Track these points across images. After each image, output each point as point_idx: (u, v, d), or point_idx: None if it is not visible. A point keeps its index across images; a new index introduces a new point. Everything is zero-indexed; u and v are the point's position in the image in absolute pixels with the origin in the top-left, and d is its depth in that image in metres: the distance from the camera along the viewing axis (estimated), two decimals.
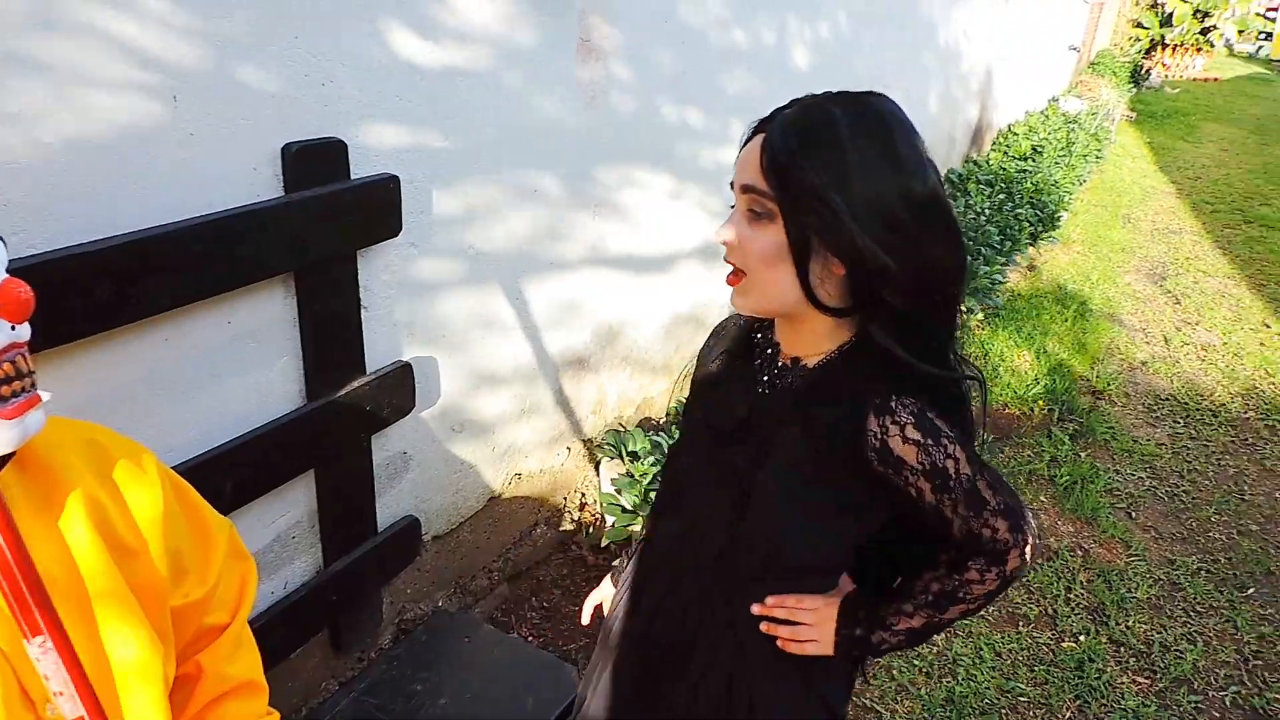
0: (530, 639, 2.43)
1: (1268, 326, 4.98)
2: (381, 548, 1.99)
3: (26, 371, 0.77)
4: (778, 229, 0.95)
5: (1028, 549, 1.04)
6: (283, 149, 1.53)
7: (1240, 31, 15.54)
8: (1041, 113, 8.70)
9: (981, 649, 2.50)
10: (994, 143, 7.48)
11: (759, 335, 1.15)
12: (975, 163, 6.62)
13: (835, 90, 0.99)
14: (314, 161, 1.57)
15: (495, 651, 1.96)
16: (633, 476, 2.63)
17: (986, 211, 5.41)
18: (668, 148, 2.76)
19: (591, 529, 2.79)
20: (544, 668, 1.96)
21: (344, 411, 1.77)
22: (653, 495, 2.50)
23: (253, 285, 1.54)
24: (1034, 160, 6.93)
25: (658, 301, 2.92)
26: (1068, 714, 2.32)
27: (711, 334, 1.26)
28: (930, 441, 0.96)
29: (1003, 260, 4.79)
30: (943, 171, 6.26)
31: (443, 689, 1.86)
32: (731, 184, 1.01)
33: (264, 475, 1.66)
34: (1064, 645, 2.55)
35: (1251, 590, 2.81)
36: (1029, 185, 6.11)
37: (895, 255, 0.92)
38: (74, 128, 1.24)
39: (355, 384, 1.78)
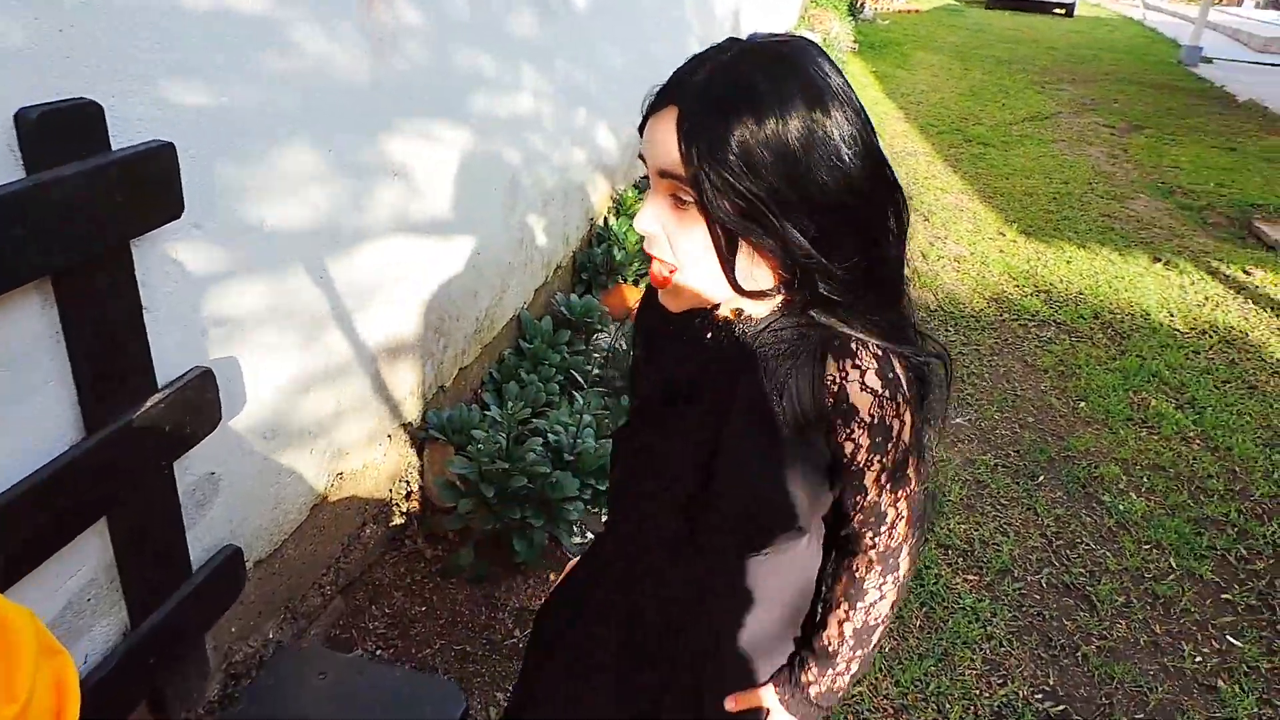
0: (379, 652, 2.19)
1: (1003, 235, 5.52)
2: (200, 589, 1.67)
3: None
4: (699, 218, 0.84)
5: (917, 546, 1.02)
6: (16, 116, 1.17)
7: None
8: None
9: None
10: None
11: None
12: None
13: (744, 41, 0.85)
14: (61, 130, 1.22)
15: (359, 682, 1.72)
16: (464, 454, 2.42)
17: None
18: (463, 99, 2.51)
19: (423, 519, 2.57)
20: (419, 689, 1.75)
21: (136, 438, 1.44)
22: (487, 471, 2.32)
23: None
24: None
25: (466, 264, 2.69)
26: (918, 622, 2.44)
27: (639, 309, 1.10)
28: (887, 394, 0.87)
29: None
30: None
31: None
32: (641, 156, 0.87)
33: (38, 537, 1.32)
34: None
35: (1041, 478, 3.10)
36: None
37: (833, 241, 0.84)
38: None
39: (147, 403, 1.45)
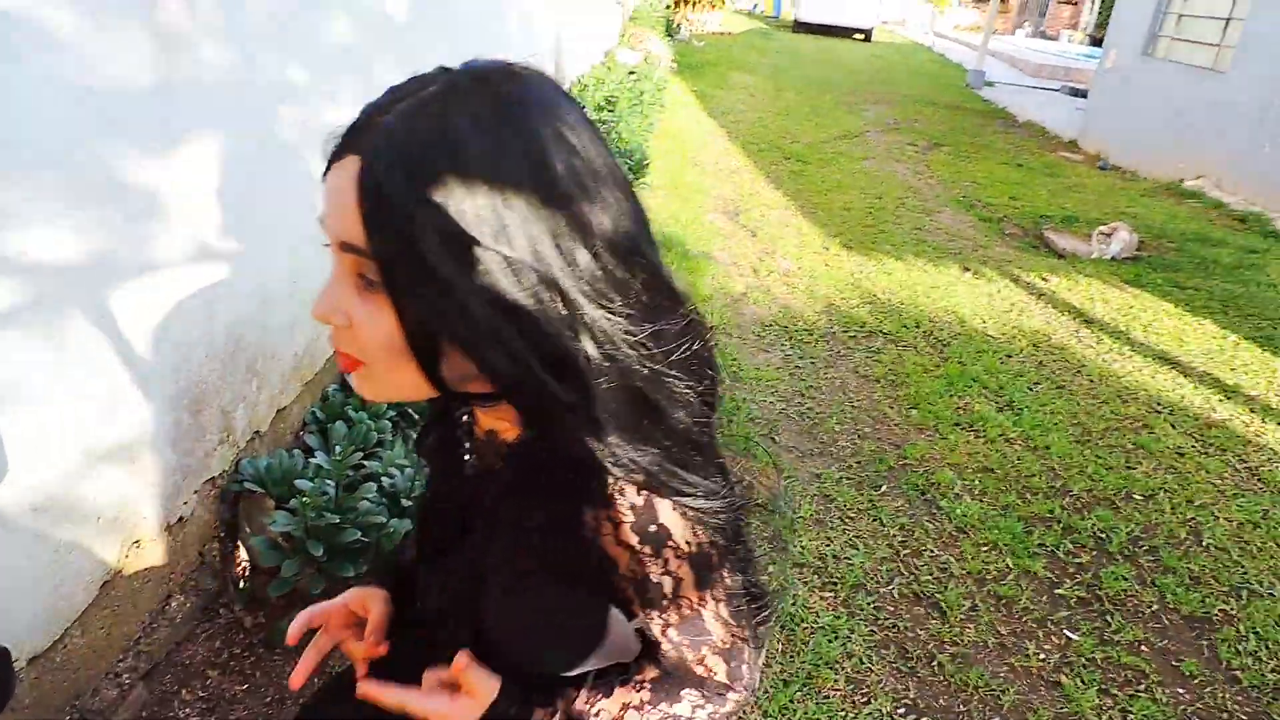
0: None
1: (827, 249, 5.71)
2: None
3: None
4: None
5: (744, 694, 0.84)
6: None
7: None
8: (604, 65, 9.08)
9: None
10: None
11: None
12: None
13: (455, 72, 0.65)
14: None
15: None
16: (286, 507, 2.17)
17: None
18: (269, 108, 2.26)
19: (242, 582, 2.28)
20: None
21: None
22: (314, 526, 2.08)
23: None
24: (610, 111, 7.19)
25: (281, 294, 2.42)
26: (780, 647, 2.40)
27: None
28: (648, 550, 0.70)
29: None
30: None
31: None
32: (321, 220, 0.66)
33: None
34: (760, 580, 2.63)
35: (884, 488, 3.16)
36: (614, 135, 6.31)
37: (544, 346, 0.64)
38: None
39: None
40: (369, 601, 0.94)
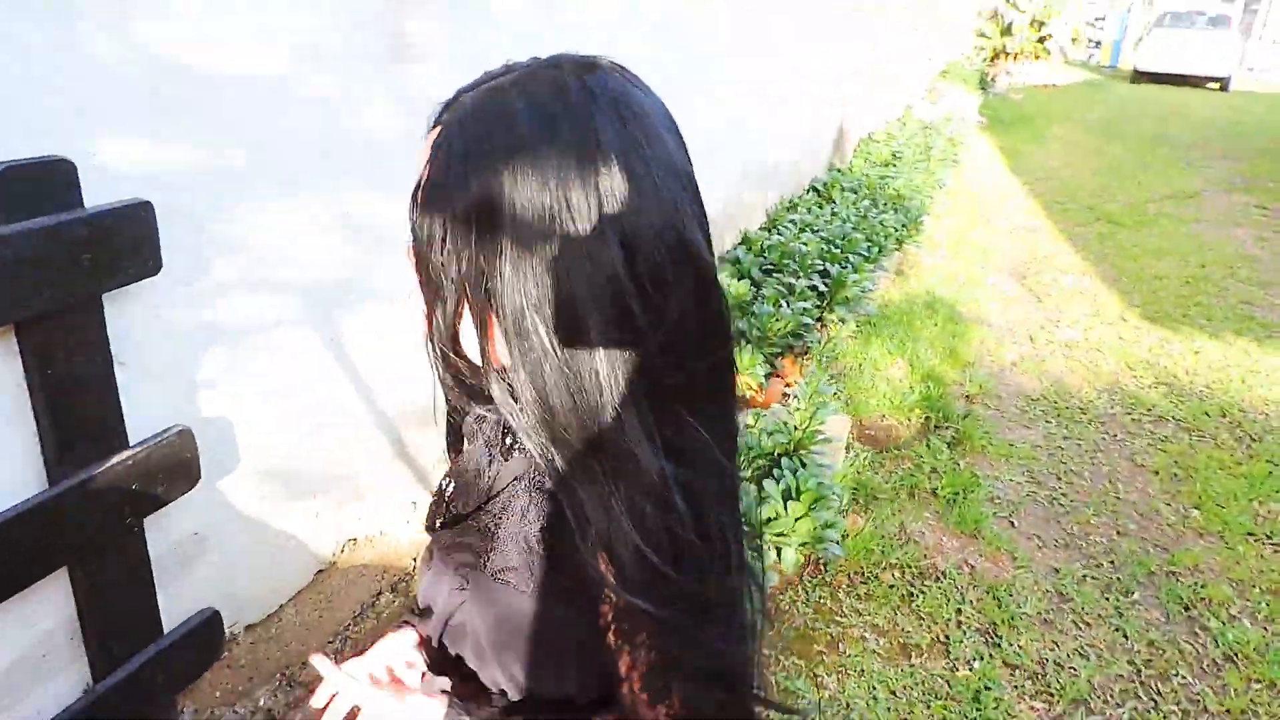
0: None
1: (1124, 320, 5.11)
2: (170, 652, 1.64)
3: None
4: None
5: None
6: None
7: (1073, 40, 16.49)
8: (899, 120, 8.88)
9: (875, 688, 2.33)
10: (856, 150, 7.55)
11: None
12: (839, 170, 6.64)
13: (532, 60, 0.67)
14: (29, 187, 1.24)
15: None
16: None
17: (852, 219, 5.37)
18: None
19: None
20: None
21: (101, 494, 1.43)
22: None
23: None
24: (894, 166, 7.01)
25: None
26: None
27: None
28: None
29: (871, 267, 4.74)
30: (806, 181, 6.23)
31: None
32: None
33: None
34: (958, 675, 2.40)
35: (1136, 594, 2.76)
36: (891, 191, 6.15)
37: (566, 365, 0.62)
38: None
39: (114, 460, 1.44)
40: (398, 651, 0.90)
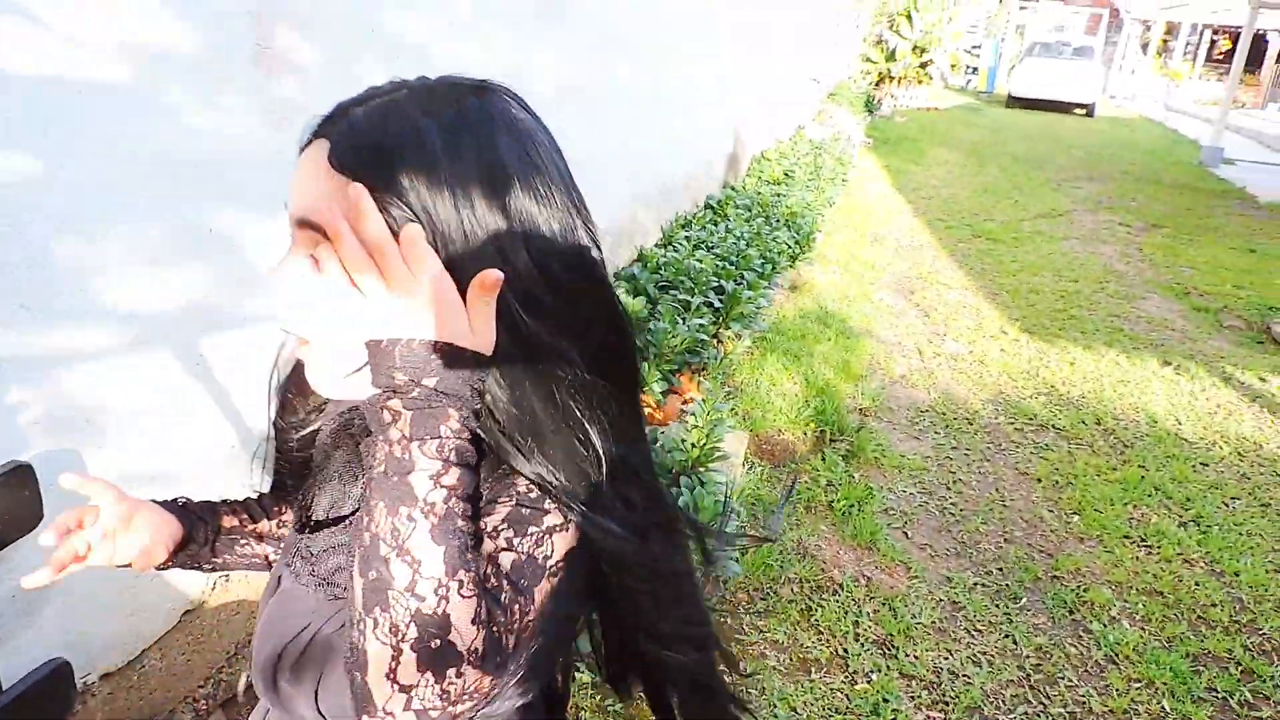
0: None
1: (1005, 333, 5.31)
2: (10, 710, 1.47)
3: None
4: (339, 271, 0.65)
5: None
6: None
7: (953, 66, 17.28)
8: (790, 140, 9.08)
9: (775, 705, 2.30)
10: (749, 169, 7.67)
11: None
12: (733, 188, 6.72)
13: (421, 82, 0.69)
14: None
15: None
16: None
17: (746, 236, 5.43)
18: None
19: None
20: None
21: None
22: None
23: None
24: (787, 185, 7.15)
25: None
26: None
27: (291, 381, 0.89)
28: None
29: (765, 284, 4.79)
30: (700, 199, 6.29)
31: None
32: (285, 203, 0.69)
33: None
34: (857, 688, 2.40)
35: (1024, 600, 2.83)
36: (784, 209, 6.25)
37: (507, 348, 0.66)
38: None
39: None
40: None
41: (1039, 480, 3.61)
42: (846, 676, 2.45)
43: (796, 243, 5.79)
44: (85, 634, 1.67)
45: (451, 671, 0.59)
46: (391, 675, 0.59)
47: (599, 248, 0.71)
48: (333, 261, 0.63)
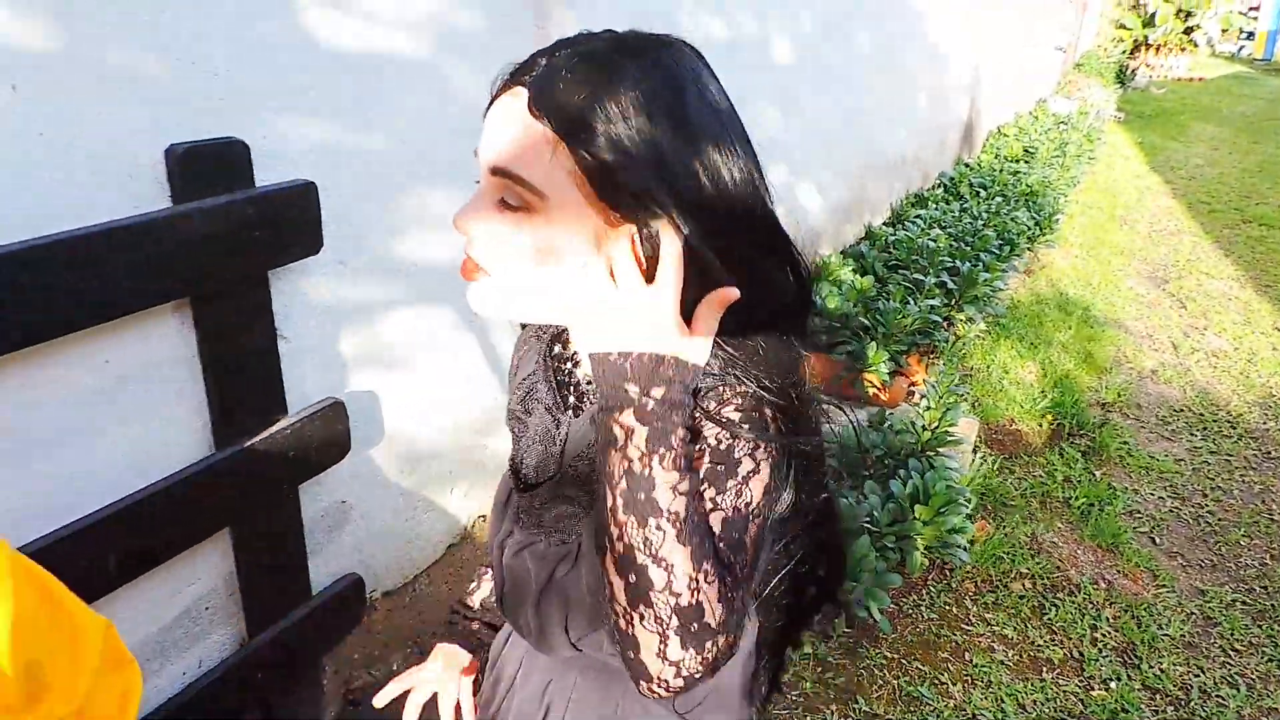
0: None
1: (1279, 330, 4.76)
2: (319, 612, 1.72)
3: None
4: (539, 220, 0.70)
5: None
6: (166, 151, 1.26)
7: (1224, 31, 15.45)
8: (1030, 114, 8.51)
9: (1003, 700, 2.24)
10: (985, 145, 7.27)
11: (557, 347, 0.91)
12: (968, 165, 6.41)
13: (616, 33, 0.72)
14: (207, 166, 1.30)
15: None
16: None
17: (983, 215, 5.18)
18: None
19: None
20: None
21: (262, 459, 1.50)
22: None
23: (134, 316, 1.28)
24: (1027, 162, 6.72)
25: None
26: None
27: (516, 347, 0.98)
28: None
29: (1002, 266, 4.55)
30: (934, 175, 6.05)
31: None
32: (476, 151, 0.73)
33: (163, 540, 1.39)
34: (1094, 694, 2.29)
35: None
36: (1023, 187, 5.89)
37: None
38: None
39: (275, 427, 1.51)
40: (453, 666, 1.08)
41: None
42: (1082, 681, 2.33)
43: (1036, 224, 5.45)
44: (372, 557, 1.90)
45: (709, 643, 0.67)
46: (661, 654, 0.67)
47: (767, 188, 0.74)
48: (536, 223, 0.69)
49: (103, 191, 1.21)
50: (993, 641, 2.44)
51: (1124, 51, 13.83)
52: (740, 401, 0.72)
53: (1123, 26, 14.03)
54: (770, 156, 3.21)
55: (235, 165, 1.34)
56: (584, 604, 0.83)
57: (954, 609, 2.54)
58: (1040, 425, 3.61)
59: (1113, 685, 2.32)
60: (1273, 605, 2.64)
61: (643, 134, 0.66)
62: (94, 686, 0.88)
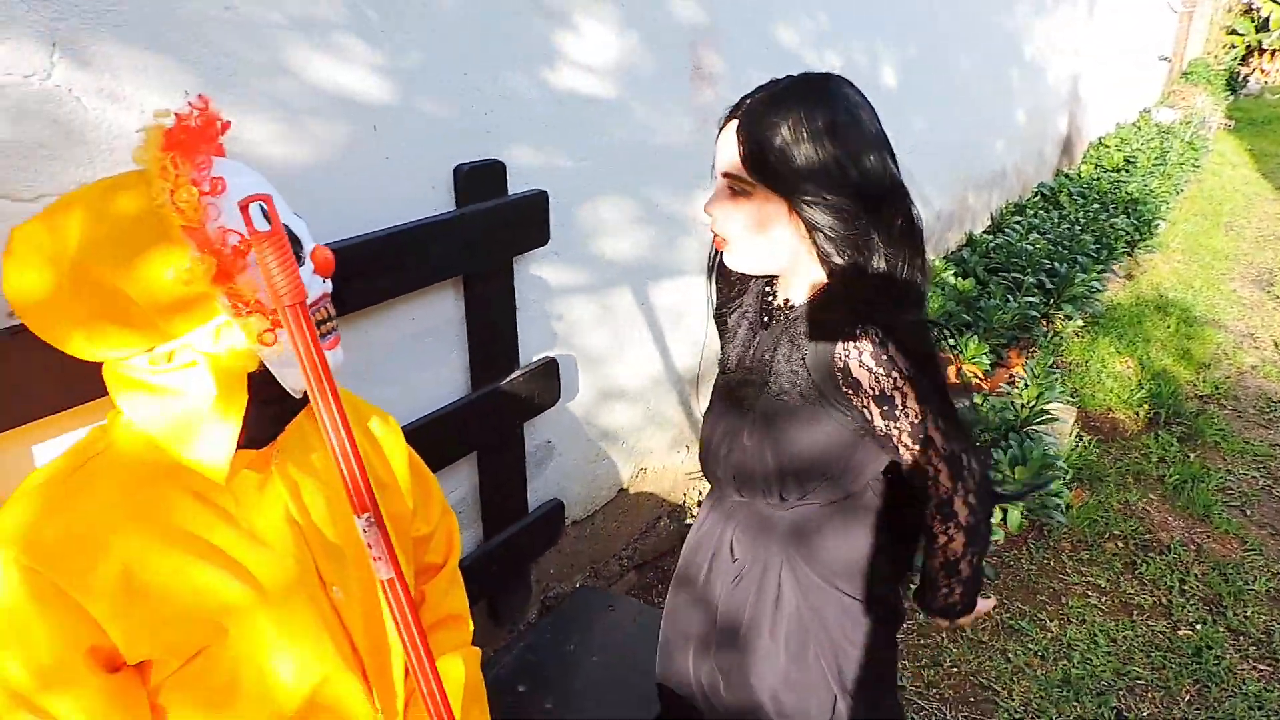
0: None
1: None
2: (531, 527, 2.20)
3: (332, 315, 1.00)
4: (753, 204, 1.15)
5: (970, 497, 1.18)
6: (455, 169, 1.77)
7: None
8: (1133, 124, 8.59)
9: (1096, 634, 2.56)
10: (1085, 156, 7.44)
11: (768, 287, 1.32)
12: (1067, 175, 6.62)
13: (794, 76, 1.15)
14: (479, 180, 1.81)
15: (637, 620, 2.14)
16: None
17: (1081, 220, 5.42)
18: None
19: None
20: None
21: (502, 400, 2.00)
22: None
23: (430, 288, 1.78)
24: (1128, 171, 6.88)
25: None
26: (1186, 697, 2.37)
27: (719, 278, 1.40)
28: (882, 371, 1.11)
29: (1099, 268, 4.79)
30: (1032, 186, 6.30)
31: (592, 648, 2.04)
32: (713, 166, 1.19)
33: (438, 455, 1.89)
34: (1180, 633, 2.59)
35: None
36: (1123, 195, 6.08)
37: (848, 235, 1.11)
38: (291, 150, 1.50)
39: (511, 376, 2.01)
40: None
41: None
42: (1169, 623, 2.63)
43: (1136, 229, 5.64)
44: (565, 490, 2.38)
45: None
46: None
47: (905, 190, 1.15)
48: (750, 207, 1.15)
49: (419, 198, 1.72)
50: (1086, 589, 2.76)
51: (1235, 58, 13.55)
52: (872, 348, 1.11)
53: (1234, 33, 13.76)
54: None
55: (496, 179, 1.84)
56: (745, 465, 1.26)
57: (1051, 562, 2.87)
58: (1137, 414, 3.87)
59: (1198, 627, 2.61)
60: None
61: (799, 148, 1.09)
62: (439, 521, 1.38)
